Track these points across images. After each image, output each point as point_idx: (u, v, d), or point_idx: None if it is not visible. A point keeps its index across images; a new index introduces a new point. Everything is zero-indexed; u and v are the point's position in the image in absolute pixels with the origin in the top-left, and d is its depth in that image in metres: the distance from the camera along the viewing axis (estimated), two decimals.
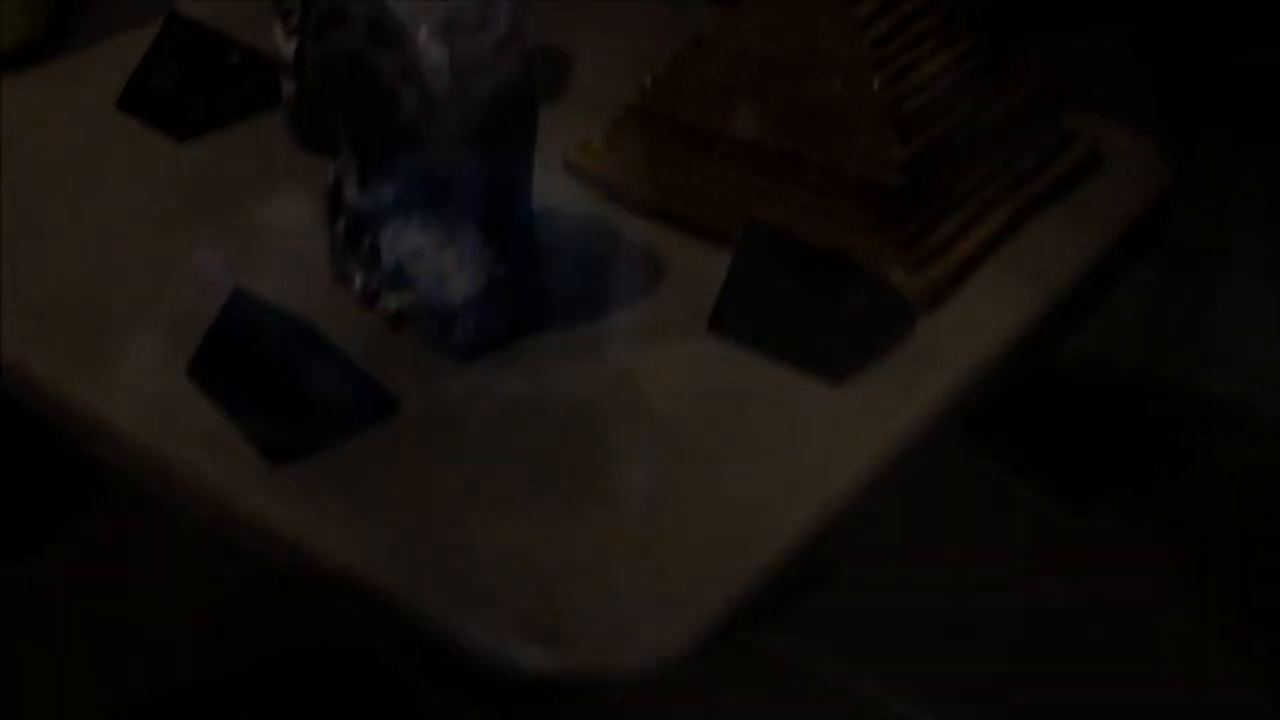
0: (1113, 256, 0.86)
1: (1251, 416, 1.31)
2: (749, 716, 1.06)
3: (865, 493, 0.70)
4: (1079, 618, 1.18)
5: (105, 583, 1.17)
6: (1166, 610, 1.17)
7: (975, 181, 0.83)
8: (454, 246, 0.78)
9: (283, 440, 0.71)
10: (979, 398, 0.77)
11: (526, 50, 0.73)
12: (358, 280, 0.80)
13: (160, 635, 1.13)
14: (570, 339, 0.79)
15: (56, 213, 0.90)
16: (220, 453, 0.72)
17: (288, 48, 0.91)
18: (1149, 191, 0.90)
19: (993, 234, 0.82)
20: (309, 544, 0.68)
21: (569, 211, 0.87)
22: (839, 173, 0.80)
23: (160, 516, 0.85)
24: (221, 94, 0.97)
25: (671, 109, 0.86)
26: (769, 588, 0.66)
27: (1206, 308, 1.35)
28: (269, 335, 0.74)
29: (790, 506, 0.69)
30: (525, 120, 0.74)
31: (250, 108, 0.98)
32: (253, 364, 0.74)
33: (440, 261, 0.79)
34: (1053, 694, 1.12)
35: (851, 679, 1.10)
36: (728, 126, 0.84)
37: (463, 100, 0.71)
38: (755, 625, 0.66)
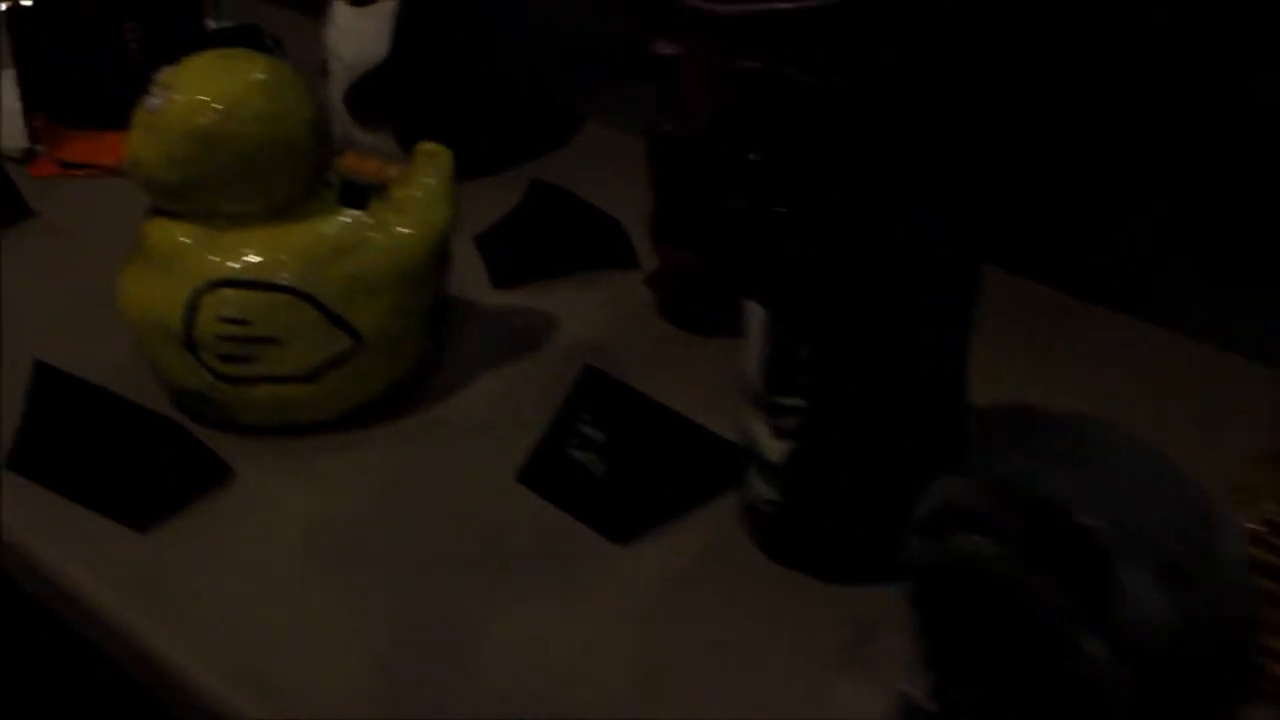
0: None
1: None
2: None
3: None
4: None
5: None
6: None
7: None
8: None
9: None
10: None
11: (1252, 587, 0.54)
12: None
13: None
14: None
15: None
16: None
17: (775, 448, 0.73)
18: None
19: None
20: None
21: None
22: None
23: None
24: (665, 482, 0.78)
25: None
26: None
27: None
28: None
29: None
30: (1240, 673, 0.55)
31: (699, 499, 0.79)
32: None
33: None
34: None
35: None
36: None
37: (1175, 660, 0.52)
38: None
